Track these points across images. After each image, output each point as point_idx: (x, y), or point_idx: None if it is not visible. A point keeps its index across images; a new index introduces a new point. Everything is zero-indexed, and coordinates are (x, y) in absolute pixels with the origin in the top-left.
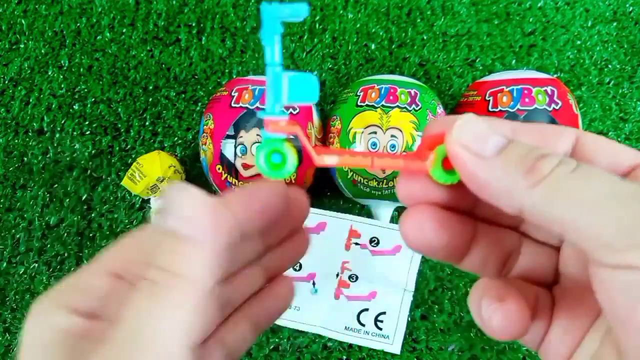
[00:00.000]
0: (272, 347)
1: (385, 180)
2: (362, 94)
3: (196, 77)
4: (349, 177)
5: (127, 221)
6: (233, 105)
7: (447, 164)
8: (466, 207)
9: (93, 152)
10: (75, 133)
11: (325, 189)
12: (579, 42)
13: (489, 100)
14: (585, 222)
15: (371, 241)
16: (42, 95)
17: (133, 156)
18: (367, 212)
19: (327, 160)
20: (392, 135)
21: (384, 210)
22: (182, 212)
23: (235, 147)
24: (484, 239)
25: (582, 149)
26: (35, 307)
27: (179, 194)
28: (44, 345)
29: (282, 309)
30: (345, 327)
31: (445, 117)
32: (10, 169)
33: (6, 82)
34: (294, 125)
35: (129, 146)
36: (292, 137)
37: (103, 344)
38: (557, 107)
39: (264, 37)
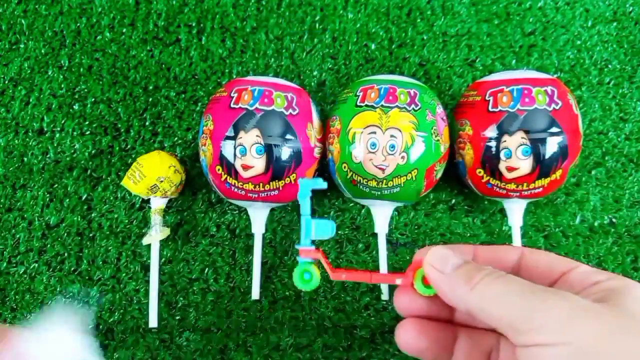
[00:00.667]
0: (272, 347)
1: (384, 181)
2: (361, 94)
3: (196, 77)
4: (348, 177)
5: (127, 221)
6: (232, 106)
7: (426, 281)
8: (445, 316)
9: (93, 152)
10: (75, 133)
11: (325, 189)
12: (579, 42)
13: (489, 100)
14: (502, 314)
15: None
16: (42, 95)
17: (133, 156)
18: (366, 213)
19: (340, 275)
20: (392, 135)
21: (383, 210)
22: None
23: (235, 148)
24: (465, 340)
25: (526, 261)
26: None
27: None
28: None
29: None
30: None
31: (425, 248)
32: (10, 169)
33: (6, 82)
34: (317, 252)
35: (129, 146)
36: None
37: None
38: (557, 107)
39: (300, 198)
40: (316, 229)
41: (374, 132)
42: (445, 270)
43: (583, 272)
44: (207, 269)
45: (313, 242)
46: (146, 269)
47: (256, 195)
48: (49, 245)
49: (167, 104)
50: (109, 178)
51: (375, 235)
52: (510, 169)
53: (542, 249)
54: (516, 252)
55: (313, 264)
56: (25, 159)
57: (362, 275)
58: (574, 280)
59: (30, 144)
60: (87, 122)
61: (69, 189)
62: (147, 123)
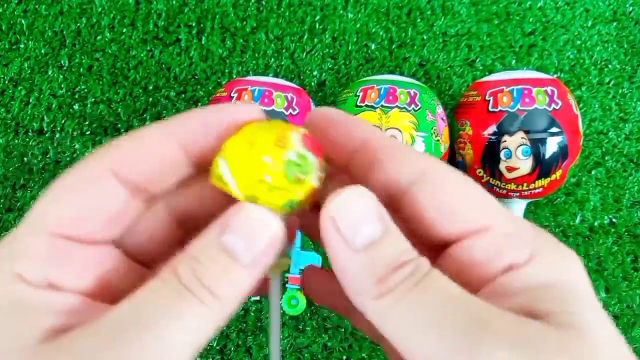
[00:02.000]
0: None
1: None
2: (361, 94)
3: (196, 77)
4: None
5: None
6: None
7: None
8: None
9: (93, 152)
10: (75, 133)
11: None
12: (579, 42)
13: (489, 100)
14: (407, 345)
15: None
16: (42, 95)
17: None
18: None
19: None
20: (392, 136)
21: None
22: (248, 236)
23: None
24: None
25: (420, 190)
26: None
27: (248, 213)
28: None
29: None
30: None
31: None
32: (10, 169)
33: (6, 82)
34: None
35: None
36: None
37: (85, 324)
38: (557, 107)
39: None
40: (304, 259)
41: None
42: (353, 244)
43: (491, 244)
44: None
45: (300, 270)
46: None
47: None
48: None
49: (167, 104)
50: None
51: None
52: (510, 169)
53: None
54: (411, 169)
55: (300, 291)
56: (25, 159)
57: None
58: (476, 255)
59: (30, 144)
60: (87, 122)
61: None
62: (147, 123)
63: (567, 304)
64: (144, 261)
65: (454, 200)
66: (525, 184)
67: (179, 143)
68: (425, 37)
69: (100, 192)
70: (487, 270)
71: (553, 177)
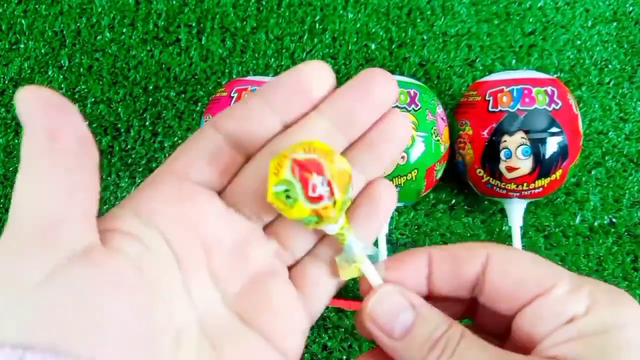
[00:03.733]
0: None
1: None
2: None
3: (196, 77)
4: None
5: None
6: None
7: None
8: None
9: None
10: None
11: None
12: (579, 42)
13: (489, 100)
14: None
15: None
16: None
17: (133, 156)
18: None
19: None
20: None
21: None
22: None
23: None
24: None
25: (491, 272)
26: None
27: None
28: None
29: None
30: None
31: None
32: (10, 169)
33: (6, 82)
34: None
35: (129, 146)
36: None
37: None
38: (557, 107)
39: None
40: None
41: None
42: (393, 334)
43: (555, 301)
44: None
45: None
46: None
47: None
48: None
49: (167, 104)
50: (109, 178)
51: None
52: (510, 169)
53: (542, 248)
54: (479, 260)
55: None
56: None
57: (344, 302)
58: (544, 313)
59: None
60: (87, 122)
61: None
62: (147, 123)
63: (613, 349)
64: None
65: (523, 275)
66: (525, 184)
67: (272, 108)
68: (425, 37)
69: (217, 151)
70: (552, 325)
71: (553, 177)
